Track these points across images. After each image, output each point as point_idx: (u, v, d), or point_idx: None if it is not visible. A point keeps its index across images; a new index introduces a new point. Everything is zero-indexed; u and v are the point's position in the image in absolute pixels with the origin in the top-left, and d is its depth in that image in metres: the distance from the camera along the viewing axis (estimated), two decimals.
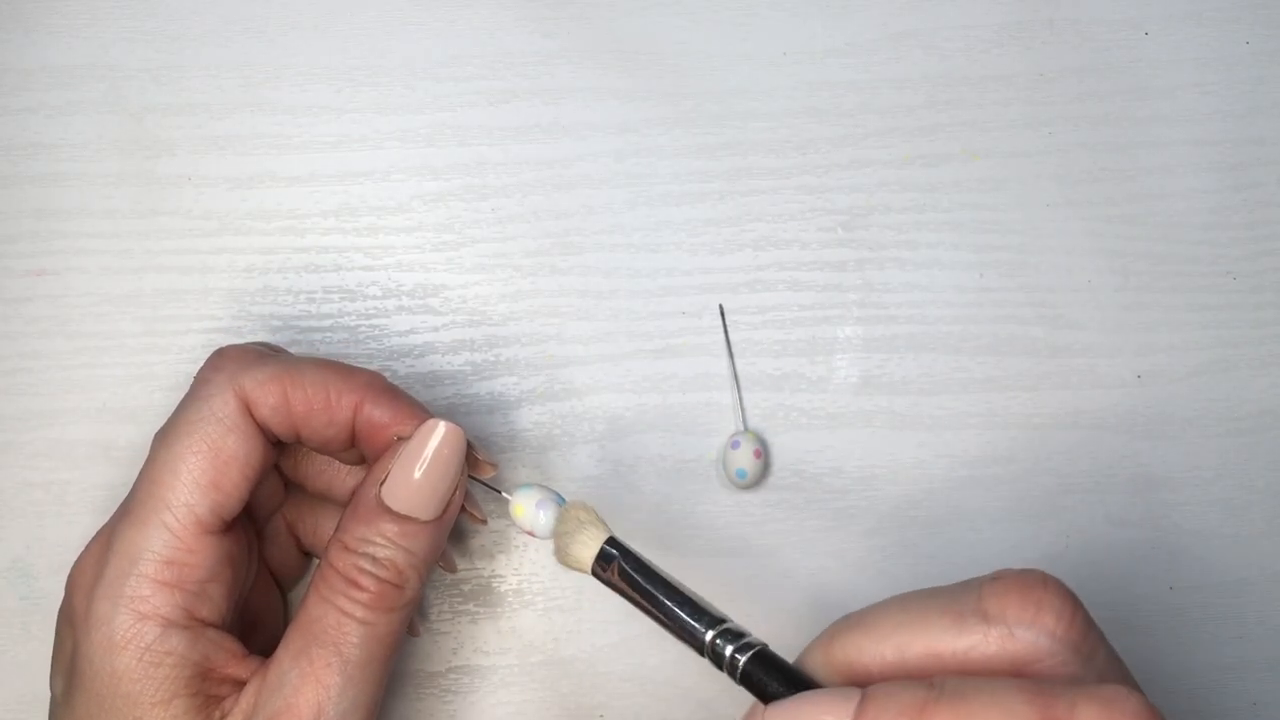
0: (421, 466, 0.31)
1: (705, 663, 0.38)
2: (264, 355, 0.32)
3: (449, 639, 0.38)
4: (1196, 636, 0.39)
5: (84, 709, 0.29)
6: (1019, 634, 0.25)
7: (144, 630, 0.29)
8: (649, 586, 0.30)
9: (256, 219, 0.39)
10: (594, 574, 0.31)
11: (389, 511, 0.30)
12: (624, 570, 0.30)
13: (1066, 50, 0.41)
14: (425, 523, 0.31)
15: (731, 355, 0.39)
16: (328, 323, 0.39)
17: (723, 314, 0.39)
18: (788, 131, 0.40)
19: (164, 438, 0.31)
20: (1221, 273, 0.41)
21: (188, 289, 0.39)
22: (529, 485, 0.33)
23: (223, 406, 0.31)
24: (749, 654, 0.28)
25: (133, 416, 0.38)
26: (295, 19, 0.40)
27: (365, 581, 0.30)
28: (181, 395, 0.32)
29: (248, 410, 0.31)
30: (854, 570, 0.39)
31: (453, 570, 0.38)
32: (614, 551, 0.31)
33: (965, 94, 0.41)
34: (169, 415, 0.32)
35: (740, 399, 0.39)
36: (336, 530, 0.31)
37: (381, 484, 0.31)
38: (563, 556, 0.31)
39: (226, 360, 0.32)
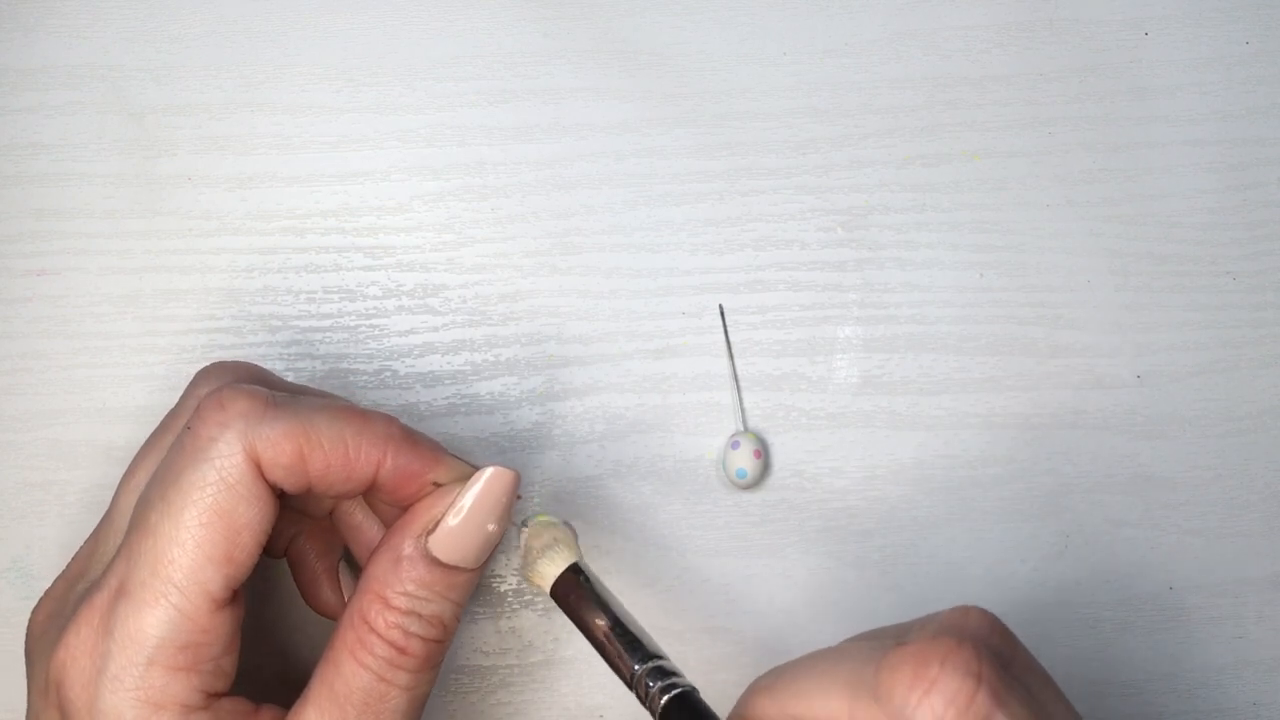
0: (473, 513, 0.29)
1: (705, 665, 0.38)
2: (272, 405, 0.29)
3: None
4: (1196, 636, 0.39)
5: None
6: (907, 716, 0.24)
7: None
8: (593, 616, 0.30)
9: (256, 219, 0.39)
10: (552, 593, 0.31)
11: (437, 563, 0.29)
12: (579, 596, 0.30)
13: (1066, 50, 0.41)
14: (471, 570, 0.30)
15: (731, 355, 0.39)
16: (328, 323, 0.39)
17: (723, 314, 0.39)
18: (788, 131, 0.40)
19: (165, 504, 0.28)
20: (1221, 273, 0.41)
21: (188, 289, 0.39)
22: (542, 515, 0.32)
23: (233, 470, 0.28)
24: (672, 694, 0.28)
25: (133, 416, 0.38)
26: (295, 19, 0.40)
27: (413, 646, 0.28)
28: (181, 396, 0.32)
29: (260, 472, 0.28)
30: (854, 570, 0.39)
31: None
32: (576, 576, 0.31)
33: (965, 94, 0.41)
34: (156, 468, 0.29)
35: (740, 399, 0.39)
36: (366, 582, 0.29)
37: (430, 534, 0.29)
38: (527, 571, 0.31)
39: (234, 416, 0.28)
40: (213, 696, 0.28)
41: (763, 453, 0.38)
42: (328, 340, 0.39)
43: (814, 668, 0.26)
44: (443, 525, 0.29)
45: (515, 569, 0.38)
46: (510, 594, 0.38)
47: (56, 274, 0.38)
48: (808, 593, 0.39)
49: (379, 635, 0.28)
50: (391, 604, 0.29)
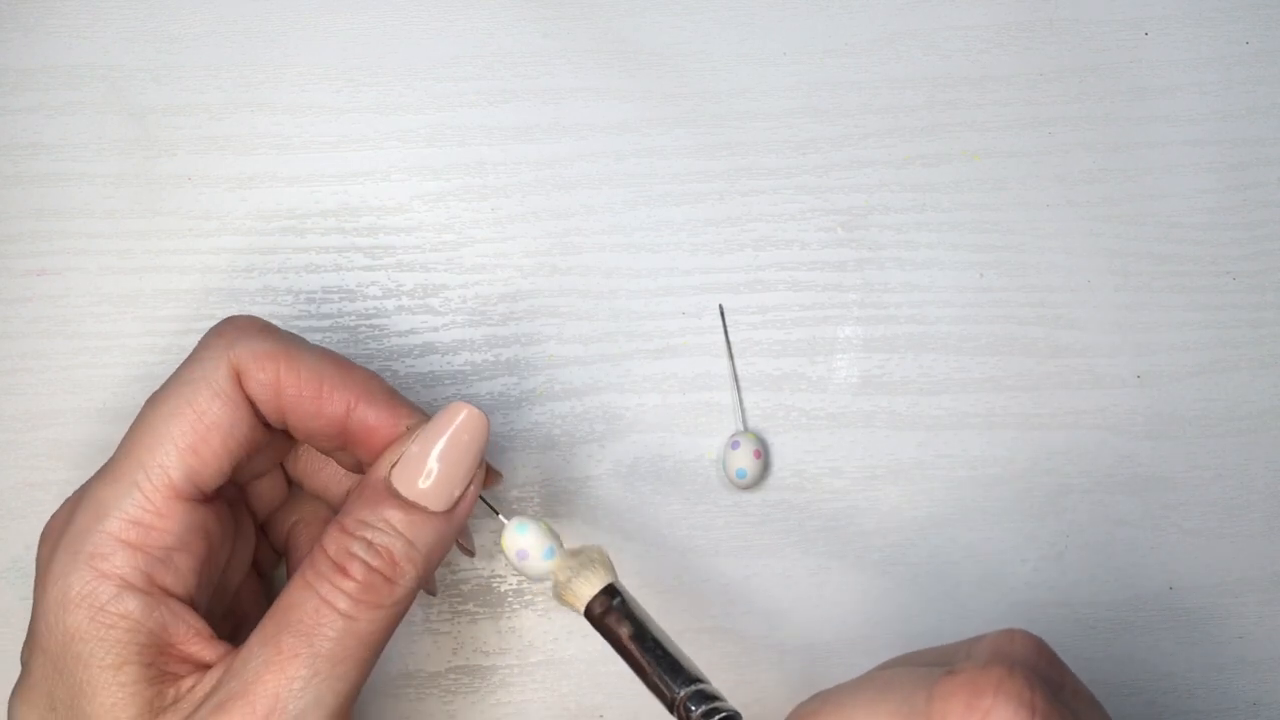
0: (438, 450, 0.29)
1: (705, 666, 0.38)
2: (265, 329, 0.31)
3: (449, 639, 0.38)
4: (1196, 636, 0.39)
5: (39, 670, 0.28)
6: None
7: (99, 589, 0.28)
8: (633, 637, 0.30)
9: (256, 219, 0.39)
10: (587, 614, 0.30)
11: (397, 496, 0.29)
12: (617, 617, 0.30)
13: (1066, 50, 0.41)
14: (433, 514, 0.29)
15: (731, 355, 0.39)
16: (328, 323, 0.39)
17: (723, 314, 0.39)
18: (788, 131, 0.40)
19: (153, 399, 0.30)
20: (1221, 273, 0.41)
21: (188, 289, 0.39)
22: (528, 518, 0.31)
23: (214, 371, 0.29)
24: (716, 719, 0.28)
25: (132, 416, 0.38)
26: (295, 19, 0.40)
27: (354, 569, 0.28)
28: None
29: (239, 381, 0.30)
30: (854, 570, 0.39)
31: (432, 593, 0.36)
32: (611, 598, 0.30)
33: (965, 94, 0.41)
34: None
35: (740, 399, 0.39)
36: (339, 514, 0.29)
37: (393, 466, 0.29)
38: (562, 591, 0.31)
39: (229, 327, 0.31)
40: (160, 589, 0.28)
41: (763, 453, 0.38)
42: (328, 340, 0.39)
43: (860, 695, 0.26)
44: (404, 455, 0.29)
45: (514, 570, 0.38)
46: (510, 594, 0.38)
47: (56, 274, 0.38)
48: (808, 593, 0.39)
49: (326, 555, 0.28)
50: (345, 528, 0.29)
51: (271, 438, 0.32)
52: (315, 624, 0.28)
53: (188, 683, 0.28)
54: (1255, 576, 0.40)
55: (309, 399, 0.30)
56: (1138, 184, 0.41)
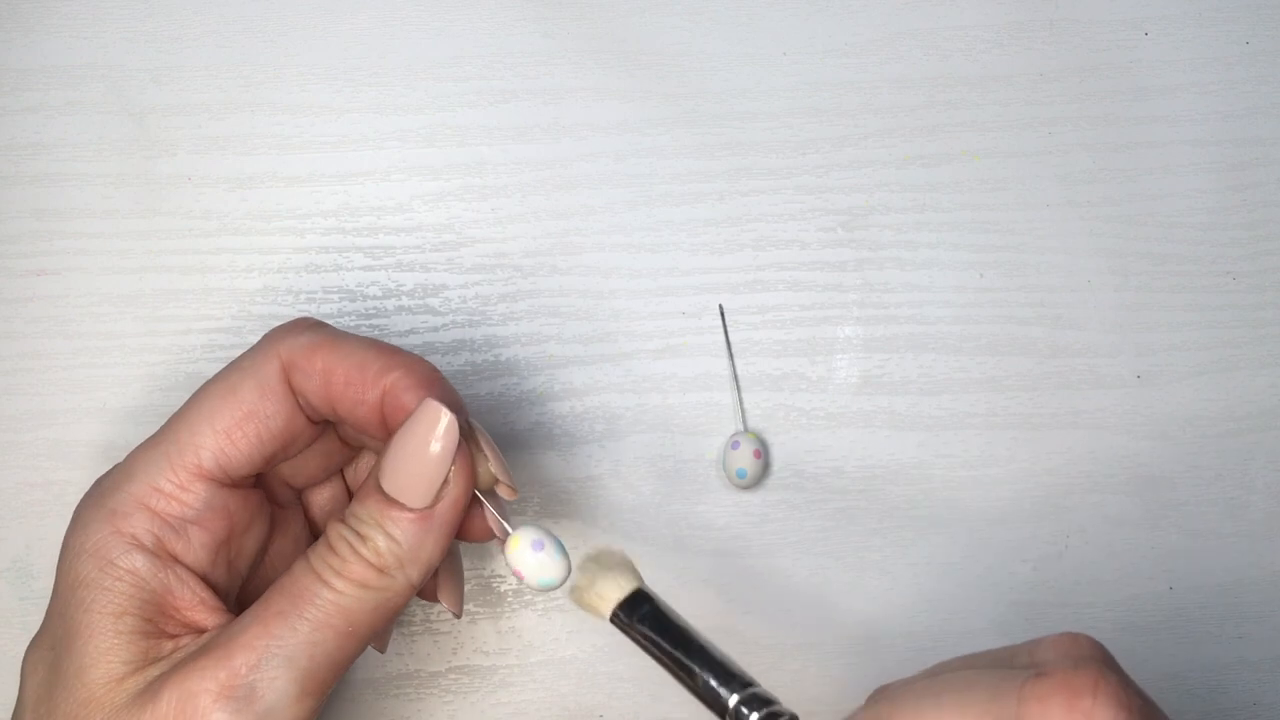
0: (404, 447, 0.30)
1: None
2: (313, 325, 0.32)
3: (449, 639, 0.38)
4: (1196, 636, 0.39)
5: (50, 620, 0.30)
6: None
7: (113, 543, 0.29)
8: (674, 643, 0.29)
9: (256, 219, 0.39)
10: (613, 621, 0.30)
11: (380, 492, 0.30)
12: (648, 623, 0.29)
13: (1066, 50, 0.41)
14: (413, 511, 0.29)
15: (731, 355, 0.39)
16: (327, 323, 0.39)
17: (723, 314, 0.39)
18: (788, 131, 0.40)
19: (205, 384, 0.31)
20: (1221, 273, 0.41)
21: (188, 289, 0.39)
22: (530, 525, 0.31)
23: (262, 365, 0.31)
24: None
25: (132, 416, 0.38)
26: (295, 19, 0.40)
27: (342, 549, 0.29)
28: (182, 395, 0.32)
29: (285, 375, 0.31)
30: (854, 570, 0.39)
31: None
32: (642, 604, 0.29)
33: (965, 94, 0.41)
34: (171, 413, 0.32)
35: (740, 399, 0.39)
36: None
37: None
38: (581, 597, 0.30)
39: (280, 328, 0.32)
40: (170, 555, 0.30)
41: (763, 453, 0.38)
42: None
43: (943, 696, 0.25)
44: (383, 452, 0.30)
45: (507, 568, 0.38)
46: (510, 594, 0.38)
47: (56, 274, 0.38)
48: (808, 593, 0.39)
49: (325, 539, 0.30)
50: (343, 519, 0.30)
51: (316, 435, 0.32)
52: (302, 589, 0.29)
53: (183, 640, 0.29)
54: (1255, 576, 0.40)
55: (354, 385, 0.31)
56: (1138, 184, 0.41)
